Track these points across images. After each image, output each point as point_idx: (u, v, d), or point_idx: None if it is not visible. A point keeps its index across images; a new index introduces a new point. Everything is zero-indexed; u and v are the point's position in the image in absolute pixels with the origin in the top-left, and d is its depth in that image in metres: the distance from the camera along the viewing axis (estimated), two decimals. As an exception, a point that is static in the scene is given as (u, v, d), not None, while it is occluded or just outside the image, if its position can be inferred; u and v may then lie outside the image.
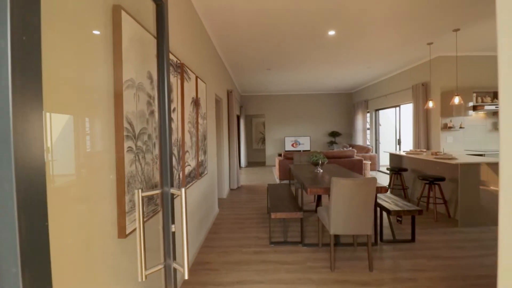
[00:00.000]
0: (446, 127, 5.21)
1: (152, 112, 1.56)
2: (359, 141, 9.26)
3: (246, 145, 9.99)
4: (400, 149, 7.09)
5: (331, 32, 3.90)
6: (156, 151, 1.59)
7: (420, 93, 5.64)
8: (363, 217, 2.30)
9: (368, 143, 9.02)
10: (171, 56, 1.97)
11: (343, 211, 2.30)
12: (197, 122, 2.72)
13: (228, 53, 4.87)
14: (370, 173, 7.46)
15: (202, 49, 3.30)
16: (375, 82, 8.19)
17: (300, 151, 9.86)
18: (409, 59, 5.54)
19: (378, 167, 8.11)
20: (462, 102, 4.02)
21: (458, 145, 5.29)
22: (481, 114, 5.31)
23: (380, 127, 8.58)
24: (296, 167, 4.10)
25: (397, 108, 7.14)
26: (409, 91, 6.21)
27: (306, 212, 4.09)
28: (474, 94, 5.01)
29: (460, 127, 5.16)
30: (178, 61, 2.16)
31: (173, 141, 1.98)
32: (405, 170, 4.65)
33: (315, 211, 4.14)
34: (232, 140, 5.87)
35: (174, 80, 2.04)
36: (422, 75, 5.71)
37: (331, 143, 10.05)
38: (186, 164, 2.31)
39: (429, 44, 4.55)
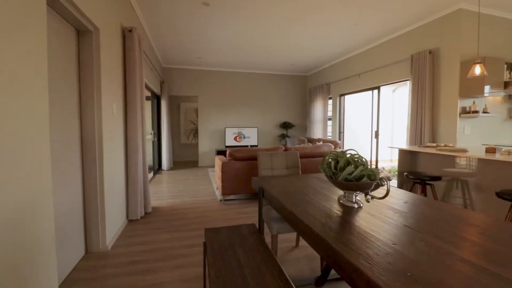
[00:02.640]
0: (467, 112, 3.64)
1: None
2: (318, 134, 7.49)
3: (170, 139, 6.99)
4: (377, 144, 5.47)
5: None
6: None
7: (427, 64, 3.94)
8: None
9: (329, 135, 7.33)
10: None
11: None
12: None
13: None
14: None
15: None
16: (342, 59, 6.43)
17: (247, 146, 7.49)
18: (415, 12, 3.76)
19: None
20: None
21: (475, 137, 3.80)
22: (497, 98, 3.94)
23: (344, 116, 6.94)
24: (277, 188, 1.66)
25: (375, 91, 5.50)
26: (405, 64, 4.51)
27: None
28: (505, 66, 3.55)
29: (484, 112, 3.66)
30: None
31: None
32: (438, 178, 2.79)
33: (317, 284, 1.80)
34: (134, 128, 3.02)
35: None
36: (430, 39, 4.03)
37: (283, 136, 8.03)
38: None
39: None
